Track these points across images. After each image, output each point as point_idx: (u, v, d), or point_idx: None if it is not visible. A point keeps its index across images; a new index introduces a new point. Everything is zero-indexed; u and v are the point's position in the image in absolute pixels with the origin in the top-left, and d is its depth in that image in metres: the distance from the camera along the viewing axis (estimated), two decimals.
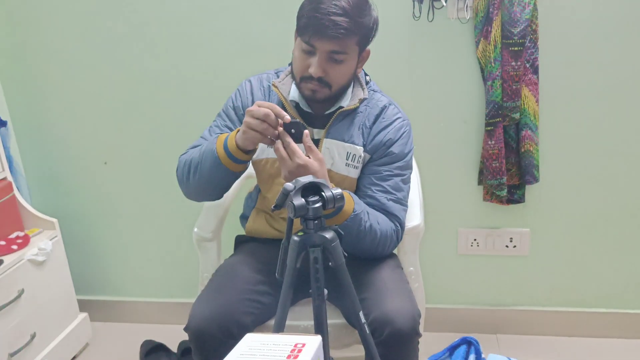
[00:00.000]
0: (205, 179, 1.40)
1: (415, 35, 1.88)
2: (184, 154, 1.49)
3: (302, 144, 1.28)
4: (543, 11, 1.79)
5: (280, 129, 1.25)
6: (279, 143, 1.26)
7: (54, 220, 2.03)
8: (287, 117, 1.25)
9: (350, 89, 1.47)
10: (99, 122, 2.13)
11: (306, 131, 1.27)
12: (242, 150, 1.32)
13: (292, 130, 1.26)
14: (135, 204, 2.22)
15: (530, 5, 1.74)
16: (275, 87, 1.45)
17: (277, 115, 1.24)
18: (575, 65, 1.86)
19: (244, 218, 1.70)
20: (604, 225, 2.02)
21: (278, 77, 1.50)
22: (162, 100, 2.07)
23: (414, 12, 1.84)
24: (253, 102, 1.48)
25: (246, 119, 1.26)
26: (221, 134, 1.42)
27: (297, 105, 1.47)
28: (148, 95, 2.07)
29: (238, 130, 1.32)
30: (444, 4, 1.78)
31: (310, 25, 1.30)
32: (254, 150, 1.35)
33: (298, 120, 1.28)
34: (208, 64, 2.01)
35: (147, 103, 2.08)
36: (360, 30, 1.33)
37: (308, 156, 1.27)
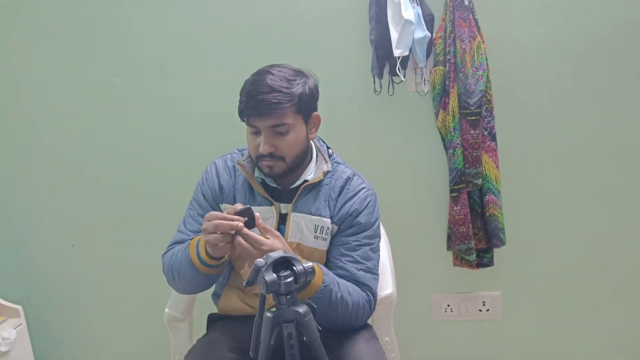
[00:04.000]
0: (190, 282, 1.45)
1: (377, 109, 1.96)
2: (166, 252, 1.52)
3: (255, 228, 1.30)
4: (495, 82, 1.89)
5: (242, 225, 1.26)
6: (238, 237, 1.27)
7: (19, 307, 1.97)
8: (238, 206, 1.29)
9: (314, 163, 1.51)
10: (65, 203, 2.12)
11: (257, 214, 1.31)
12: (215, 257, 1.35)
13: (245, 218, 1.28)
14: (103, 287, 2.17)
15: (483, 78, 1.84)
16: (241, 166, 1.48)
17: (225, 218, 1.26)
18: (530, 130, 1.95)
19: (216, 295, 1.68)
20: (574, 284, 2.05)
21: (243, 155, 1.54)
22: (130, 181, 2.08)
23: (374, 87, 1.92)
24: (220, 186, 1.53)
25: (204, 235, 1.30)
26: (195, 235, 1.46)
27: (263, 182, 1.50)
28: (116, 177, 2.08)
29: None
30: (403, 79, 1.87)
31: (245, 109, 1.37)
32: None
33: (247, 206, 1.31)
34: (178, 145, 2.04)
35: (116, 184, 2.08)
36: (294, 99, 1.38)
37: (266, 237, 1.30)
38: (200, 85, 2.00)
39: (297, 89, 1.39)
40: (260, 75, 1.39)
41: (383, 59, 1.87)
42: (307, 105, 1.42)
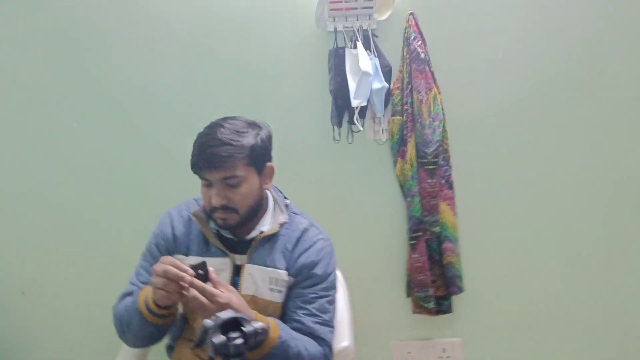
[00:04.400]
0: (139, 335, 1.41)
1: (336, 157, 1.97)
2: (116, 304, 1.48)
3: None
4: (452, 132, 1.93)
5: (189, 278, 1.24)
6: (193, 291, 1.25)
7: None
8: (191, 263, 1.27)
9: (270, 213, 1.51)
10: (15, 249, 2.05)
11: (211, 268, 1.29)
12: (163, 306, 1.32)
13: (200, 272, 1.27)
14: (55, 335, 2.09)
15: (440, 128, 1.88)
16: (195, 216, 1.47)
17: (179, 269, 1.24)
18: (485, 178, 1.99)
19: (169, 348, 1.63)
20: (532, 329, 2.07)
21: (199, 204, 1.52)
22: (81, 227, 2.03)
23: (334, 136, 1.94)
24: (174, 236, 1.51)
25: (151, 278, 1.27)
26: (146, 285, 1.42)
27: (218, 232, 1.48)
28: (67, 222, 2.03)
29: None
30: (361, 128, 1.90)
31: (197, 162, 1.39)
32: (176, 303, 1.35)
33: (202, 260, 1.30)
34: (131, 194, 2.01)
35: (67, 230, 2.03)
36: (244, 151, 1.38)
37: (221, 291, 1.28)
38: (156, 134, 1.98)
39: (249, 141, 1.39)
40: (211, 129, 1.40)
41: (342, 108, 1.90)
42: (259, 157, 1.42)
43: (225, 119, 1.44)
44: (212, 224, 1.49)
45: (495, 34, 1.92)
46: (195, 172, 1.41)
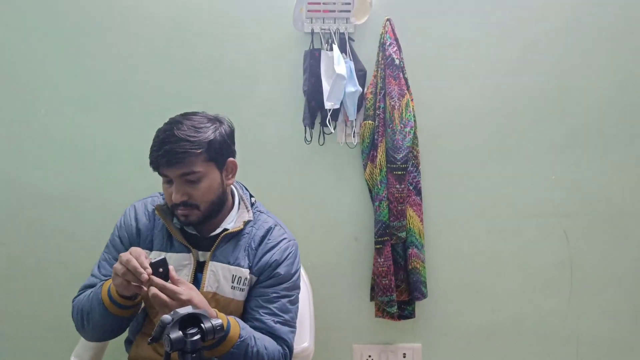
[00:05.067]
0: (99, 326, 1.38)
1: (307, 158, 1.97)
2: (77, 296, 1.46)
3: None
4: (422, 139, 1.95)
5: (146, 276, 1.22)
6: (153, 289, 1.23)
7: None
8: (151, 260, 1.25)
9: (235, 211, 1.50)
10: None
11: (171, 266, 1.28)
12: (125, 296, 1.30)
13: (160, 270, 1.25)
14: (11, 329, 2.04)
15: (410, 134, 1.90)
16: (159, 211, 1.46)
17: (141, 264, 1.23)
18: (453, 186, 2.01)
19: (128, 342, 1.61)
20: (493, 338, 2.10)
21: (164, 199, 1.51)
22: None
23: (305, 137, 1.94)
24: (137, 229, 1.49)
25: (114, 267, 1.26)
26: (107, 277, 1.41)
27: (182, 228, 1.47)
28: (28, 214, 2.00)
29: None
30: (332, 130, 1.91)
31: (154, 159, 1.38)
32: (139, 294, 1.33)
33: (162, 257, 1.28)
34: (96, 187, 1.98)
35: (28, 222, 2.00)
36: (203, 147, 1.37)
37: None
38: (126, 130, 1.95)
39: (207, 136, 1.38)
40: (169, 125, 1.39)
41: (315, 109, 1.90)
42: (219, 152, 1.41)
43: (184, 114, 1.43)
44: (175, 220, 1.47)
45: (470, 44, 1.95)
46: (154, 169, 1.40)
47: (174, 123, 1.39)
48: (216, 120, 1.44)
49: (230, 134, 1.46)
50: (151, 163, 1.39)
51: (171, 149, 1.35)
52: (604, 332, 2.09)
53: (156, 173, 1.41)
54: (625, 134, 2.00)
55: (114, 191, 1.96)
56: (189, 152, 1.35)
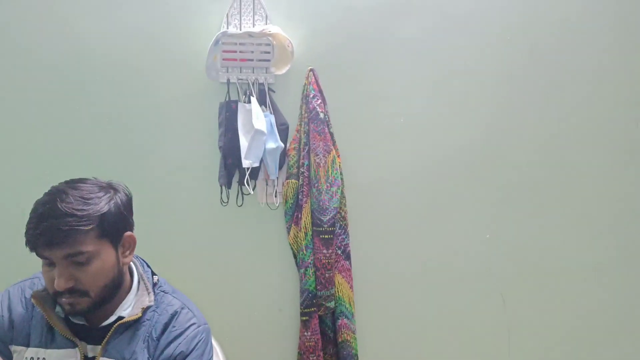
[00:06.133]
0: None
1: (224, 221, 1.78)
2: None
3: None
4: (350, 198, 1.80)
5: None
6: None
7: None
8: None
9: (133, 294, 1.26)
10: None
11: None
12: None
13: None
14: None
15: (337, 194, 1.74)
16: (36, 299, 1.19)
17: None
18: (384, 249, 1.87)
19: None
20: None
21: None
22: None
23: (222, 197, 1.74)
24: (10, 321, 1.23)
25: None
26: None
27: (66, 318, 1.22)
28: None
29: None
30: (251, 192, 1.72)
31: (30, 238, 1.12)
32: None
33: None
34: None
35: None
36: (93, 221, 1.14)
37: None
38: (7, 195, 1.71)
39: (99, 208, 1.15)
40: (51, 196, 1.14)
41: (232, 167, 1.71)
42: (113, 227, 1.18)
43: (70, 182, 1.19)
44: (58, 307, 1.22)
45: (398, 98, 1.83)
46: (31, 250, 1.13)
47: (56, 193, 1.14)
48: (110, 188, 1.21)
49: (127, 204, 1.23)
50: (27, 242, 1.12)
51: (52, 225, 1.10)
52: None
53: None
54: (558, 191, 1.93)
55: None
56: (76, 229, 1.11)
